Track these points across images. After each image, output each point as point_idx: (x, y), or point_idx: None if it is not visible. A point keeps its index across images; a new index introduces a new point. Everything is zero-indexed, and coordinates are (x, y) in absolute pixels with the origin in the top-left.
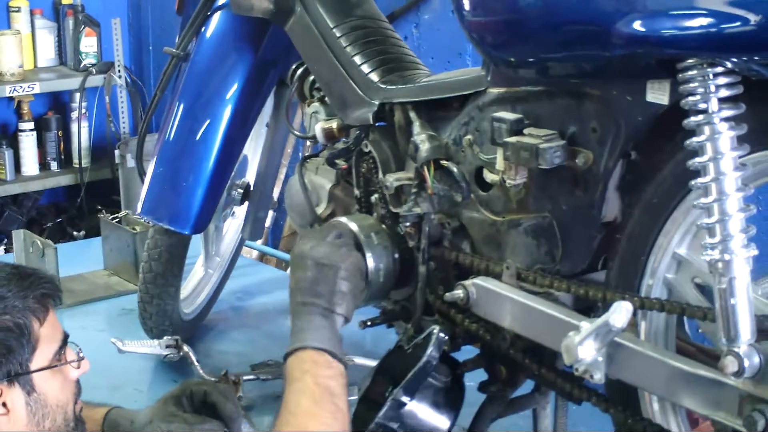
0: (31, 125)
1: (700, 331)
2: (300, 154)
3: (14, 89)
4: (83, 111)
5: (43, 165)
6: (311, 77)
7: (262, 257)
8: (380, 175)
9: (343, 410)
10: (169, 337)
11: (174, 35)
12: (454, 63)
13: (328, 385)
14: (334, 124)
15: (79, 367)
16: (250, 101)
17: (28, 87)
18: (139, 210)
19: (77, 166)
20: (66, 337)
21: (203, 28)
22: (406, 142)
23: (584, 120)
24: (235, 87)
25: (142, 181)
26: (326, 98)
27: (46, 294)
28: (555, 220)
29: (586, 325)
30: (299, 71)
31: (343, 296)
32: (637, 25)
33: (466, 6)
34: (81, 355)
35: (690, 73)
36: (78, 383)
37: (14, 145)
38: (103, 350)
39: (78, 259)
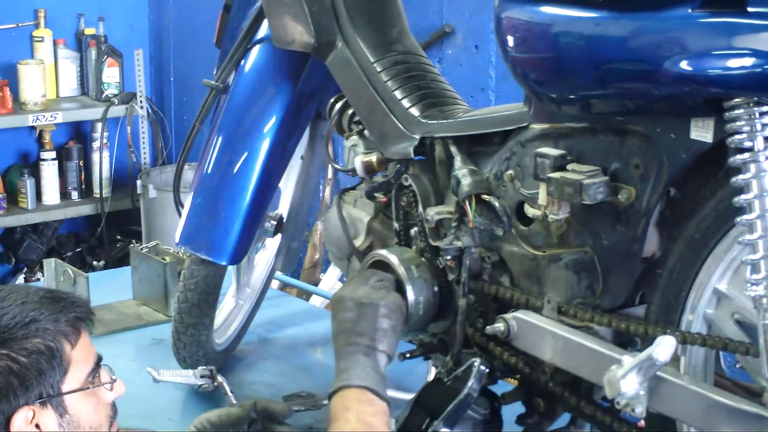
0: (53, 154)
1: (738, 366)
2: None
3: (37, 118)
4: (104, 141)
5: (64, 194)
6: (350, 111)
7: (284, 287)
8: (420, 208)
9: None
10: (204, 367)
11: (194, 67)
12: (477, 98)
13: (371, 422)
14: (373, 158)
15: (112, 389)
16: (287, 134)
17: (51, 116)
18: (177, 240)
19: (98, 195)
20: (99, 359)
21: (242, 61)
22: (446, 176)
23: (627, 156)
24: (273, 120)
25: (179, 212)
26: (365, 132)
27: (78, 317)
28: (596, 255)
29: (628, 359)
30: (338, 105)
31: (384, 333)
32: (684, 65)
33: (510, 42)
34: (114, 377)
35: (736, 111)
36: (113, 406)
37: (36, 174)
38: (135, 380)
39: (107, 289)
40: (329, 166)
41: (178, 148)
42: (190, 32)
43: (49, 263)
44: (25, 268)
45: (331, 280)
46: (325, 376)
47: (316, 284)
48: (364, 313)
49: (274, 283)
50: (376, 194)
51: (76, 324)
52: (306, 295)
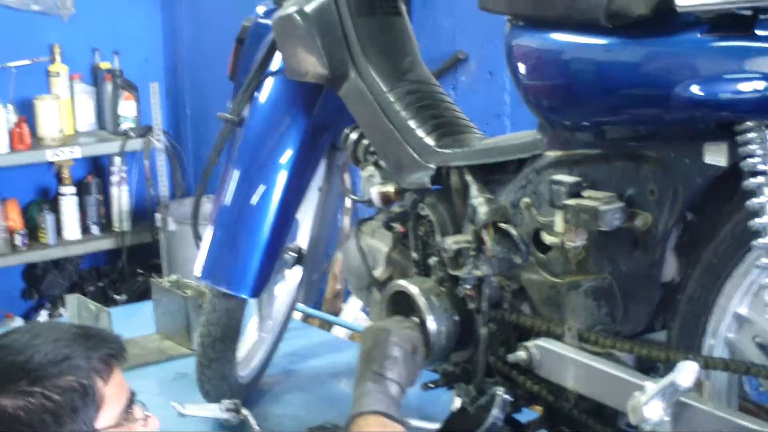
0: (72, 189)
1: (762, 389)
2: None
3: (55, 154)
4: (123, 175)
5: (85, 229)
6: (365, 141)
7: (306, 318)
8: (438, 238)
9: None
10: (229, 401)
11: (210, 99)
12: (492, 125)
13: None
14: (390, 188)
15: (146, 425)
16: (304, 165)
17: (69, 151)
18: (197, 274)
19: (118, 229)
20: (132, 395)
21: (256, 93)
22: (462, 205)
23: (642, 182)
24: (289, 151)
25: (198, 245)
26: (381, 162)
27: (110, 354)
28: (615, 281)
29: (651, 385)
30: (352, 135)
31: (394, 361)
32: (694, 90)
33: (522, 70)
34: (147, 413)
35: (748, 135)
36: None
37: (56, 210)
38: (159, 414)
39: (130, 323)
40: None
41: (197, 181)
42: (205, 64)
43: (72, 299)
44: (48, 304)
45: (353, 310)
46: (350, 406)
47: (337, 314)
48: (377, 341)
49: (296, 315)
50: (393, 224)
51: (109, 360)
52: (328, 325)
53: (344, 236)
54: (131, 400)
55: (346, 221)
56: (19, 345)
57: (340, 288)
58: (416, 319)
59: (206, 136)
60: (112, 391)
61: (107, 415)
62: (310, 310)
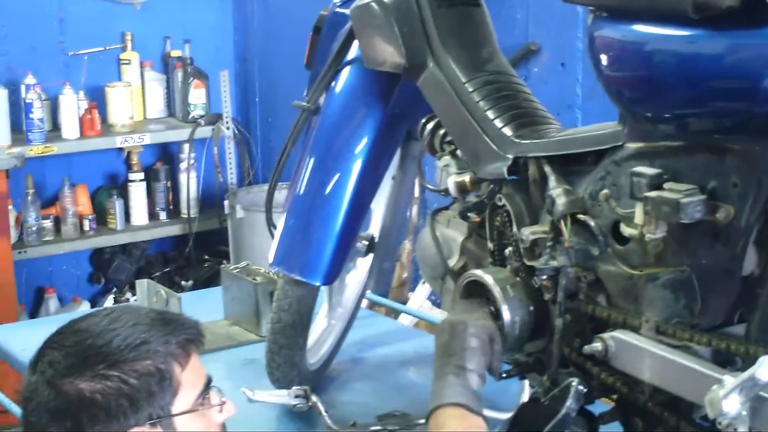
0: (141, 176)
1: None
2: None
3: (125, 140)
4: (191, 162)
5: (152, 215)
6: (442, 131)
7: (372, 306)
8: (514, 228)
9: None
10: (298, 387)
11: (280, 87)
12: (564, 116)
13: None
14: (466, 178)
15: (222, 411)
16: (379, 155)
17: (138, 138)
18: (270, 261)
19: (185, 216)
20: (209, 381)
21: (333, 82)
22: (540, 195)
23: (725, 175)
24: (365, 141)
25: (271, 233)
26: (458, 152)
27: (188, 339)
28: (694, 274)
29: (729, 379)
30: (429, 125)
31: (473, 352)
32: None
33: (604, 61)
34: (224, 399)
35: None
36: (224, 427)
37: (124, 195)
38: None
39: (199, 309)
40: (417, 185)
41: (265, 168)
42: (275, 53)
43: (142, 284)
44: (115, 288)
45: (419, 298)
46: (418, 394)
47: (404, 303)
48: (454, 334)
49: (363, 302)
50: (469, 214)
51: (186, 346)
52: (395, 313)
53: (412, 225)
54: (208, 386)
55: (414, 210)
56: (98, 329)
57: (406, 276)
58: (488, 308)
59: (275, 124)
60: (189, 377)
61: (183, 400)
62: (378, 298)
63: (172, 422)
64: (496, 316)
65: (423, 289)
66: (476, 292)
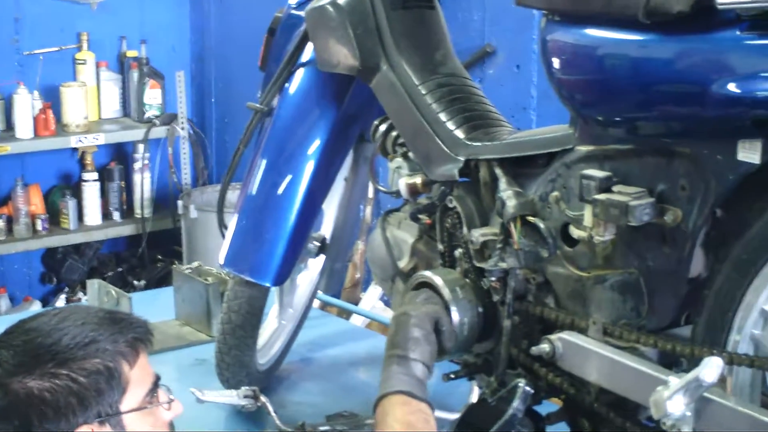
0: (95, 176)
1: None
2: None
3: (79, 140)
4: (146, 162)
5: (106, 215)
6: (394, 133)
7: (324, 307)
8: (465, 230)
9: None
10: (247, 388)
11: (235, 88)
12: (519, 118)
13: (410, 421)
14: (418, 180)
15: (170, 409)
16: (332, 156)
17: (93, 138)
18: (221, 261)
19: (139, 216)
20: (157, 379)
21: (287, 84)
22: (491, 198)
23: (673, 178)
24: (317, 142)
25: (223, 233)
26: (410, 154)
27: (136, 338)
28: (642, 276)
29: (674, 380)
30: (382, 127)
31: (415, 342)
32: (731, 87)
33: (556, 64)
34: (171, 397)
35: None
36: (171, 425)
37: (78, 195)
38: (178, 400)
39: (150, 309)
40: (371, 186)
41: (219, 169)
42: (232, 54)
43: (93, 284)
44: (67, 288)
45: (371, 299)
46: (368, 395)
47: (356, 303)
48: (398, 326)
49: (315, 303)
50: (420, 216)
51: (135, 344)
52: (347, 314)
53: (365, 226)
54: (156, 384)
55: (368, 212)
56: (48, 327)
57: (359, 277)
58: (432, 292)
59: (230, 125)
60: (138, 375)
61: (132, 398)
62: (329, 299)
63: (120, 420)
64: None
65: (375, 290)
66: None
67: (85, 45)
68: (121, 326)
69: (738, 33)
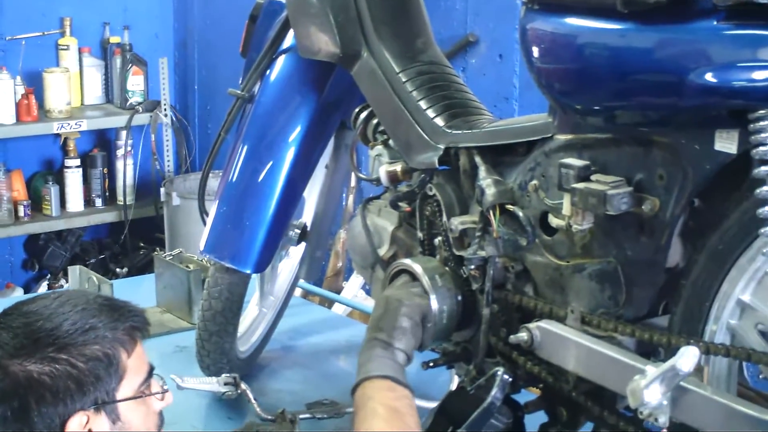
0: (77, 162)
1: (761, 377)
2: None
3: (62, 126)
4: (129, 149)
5: (88, 201)
6: (375, 120)
7: (306, 295)
8: (444, 218)
9: (414, 429)
10: (227, 375)
11: (219, 75)
12: (501, 107)
13: (396, 407)
14: (398, 167)
15: (162, 399)
16: (313, 143)
17: (75, 124)
18: (201, 248)
19: (121, 203)
20: (152, 369)
21: (268, 71)
22: (470, 186)
23: (651, 167)
24: (298, 129)
25: (204, 220)
26: (390, 141)
27: (135, 327)
28: (620, 266)
29: (651, 369)
30: (363, 114)
31: (403, 332)
32: (709, 77)
33: (535, 53)
34: (165, 387)
35: (761, 123)
36: (161, 415)
37: (60, 182)
38: None
39: (131, 296)
40: (353, 175)
41: (202, 156)
42: (215, 41)
43: (74, 270)
44: (49, 275)
45: (353, 288)
46: (348, 383)
47: (338, 292)
48: (388, 310)
49: (297, 291)
50: (400, 204)
51: (133, 333)
52: (328, 303)
53: (348, 215)
54: (150, 374)
55: (350, 200)
56: (48, 311)
57: (341, 266)
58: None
59: (213, 112)
60: (134, 364)
61: (128, 387)
62: (311, 287)
63: (115, 408)
64: None
65: (357, 279)
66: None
67: (68, 31)
68: (119, 314)
69: (715, 23)
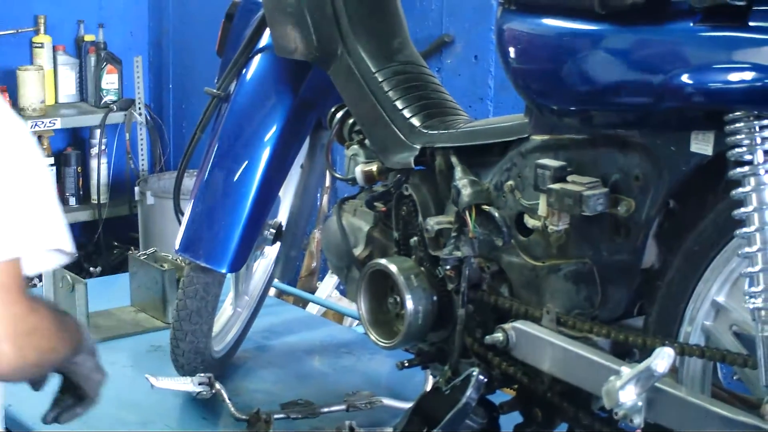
0: (51, 160)
1: (735, 378)
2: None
3: (35, 124)
4: (103, 147)
5: (62, 200)
6: (351, 120)
7: (281, 295)
8: (420, 218)
9: None
10: (202, 375)
11: (194, 74)
12: (476, 107)
13: None
14: (373, 167)
15: None
16: (288, 143)
17: (49, 122)
18: (176, 247)
19: (95, 202)
20: None
21: (244, 70)
22: (446, 186)
23: (627, 168)
24: (274, 129)
25: (179, 220)
26: (366, 141)
27: None
28: (595, 266)
29: (626, 370)
30: (338, 114)
31: None
32: (685, 78)
33: (512, 53)
34: None
35: (736, 125)
36: None
37: None
38: (132, 386)
39: (105, 295)
40: (328, 174)
41: (176, 155)
42: (190, 40)
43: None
44: None
45: (327, 288)
46: (323, 383)
47: (312, 292)
48: None
49: (271, 291)
50: (376, 204)
51: None
52: (303, 302)
53: (323, 214)
54: None
55: (325, 200)
56: None
57: (315, 265)
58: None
59: (188, 111)
60: None
61: None
62: (285, 287)
63: None
64: (400, 305)
65: (331, 279)
66: (380, 281)
67: (42, 28)
68: None
69: (691, 24)
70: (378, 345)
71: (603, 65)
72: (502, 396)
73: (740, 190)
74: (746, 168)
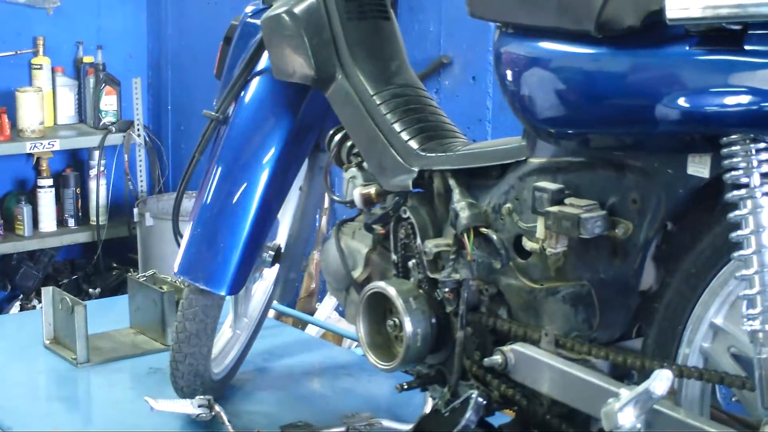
0: (50, 182)
1: (734, 399)
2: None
3: (34, 146)
4: (102, 169)
5: (61, 222)
6: (349, 143)
7: (280, 317)
8: (418, 240)
9: None
10: (201, 397)
11: (192, 96)
12: (474, 129)
13: None
14: (372, 190)
15: None
16: (287, 165)
17: (48, 144)
18: (175, 270)
19: (94, 223)
20: None
21: (242, 92)
22: (444, 208)
23: (625, 191)
24: (272, 151)
25: (178, 242)
26: (364, 164)
27: None
28: (593, 289)
29: (625, 392)
30: (337, 137)
31: None
32: (681, 102)
33: (509, 77)
34: None
35: (733, 148)
36: None
37: (33, 201)
38: (131, 409)
39: (104, 317)
40: (327, 196)
41: (175, 177)
42: (188, 61)
43: (47, 291)
44: (22, 295)
45: (327, 309)
46: (323, 405)
47: (311, 314)
48: None
49: (270, 313)
50: (374, 226)
51: None
52: (302, 324)
53: (321, 236)
54: None
55: (323, 222)
56: None
57: (314, 287)
58: None
59: (187, 133)
60: None
61: None
62: (285, 309)
63: None
64: (399, 327)
65: (330, 301)
66: (379, 303)
67: (41, 50)
68: None
69: (687, 48)
70: (377, 367)
71: (600, 89)
72: (501, 418)
73: (737, 212)
74: (743, 191)
